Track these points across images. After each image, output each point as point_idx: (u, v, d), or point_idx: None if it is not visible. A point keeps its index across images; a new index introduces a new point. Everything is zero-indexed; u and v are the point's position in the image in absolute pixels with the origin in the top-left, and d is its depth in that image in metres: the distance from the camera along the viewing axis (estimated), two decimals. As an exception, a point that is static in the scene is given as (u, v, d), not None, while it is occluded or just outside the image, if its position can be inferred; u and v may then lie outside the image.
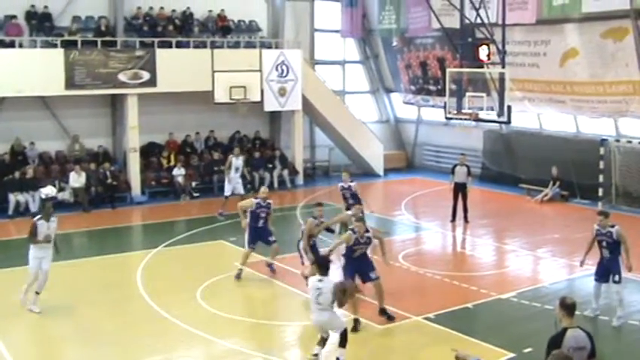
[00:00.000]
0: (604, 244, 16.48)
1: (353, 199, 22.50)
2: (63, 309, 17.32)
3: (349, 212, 19.96)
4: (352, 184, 22.99)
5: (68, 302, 17.77)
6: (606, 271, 16.54)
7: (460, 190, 26.50)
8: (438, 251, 23.64)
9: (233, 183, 28.03)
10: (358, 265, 16.45)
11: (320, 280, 13.79)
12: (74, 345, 15.43)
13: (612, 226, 16.41)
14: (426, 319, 16.40)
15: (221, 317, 16.71)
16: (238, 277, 19.33)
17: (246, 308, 17.17)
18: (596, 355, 9.65)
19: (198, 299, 17.83)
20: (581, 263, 17.14)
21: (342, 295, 13.55)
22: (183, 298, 17.94)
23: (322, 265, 14.14)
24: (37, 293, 16.84)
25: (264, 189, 20.56)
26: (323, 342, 14.01)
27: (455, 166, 27.04)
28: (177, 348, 15.17)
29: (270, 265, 20.06)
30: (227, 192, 27.88)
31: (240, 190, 28.22)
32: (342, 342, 13.77)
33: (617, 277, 16.35)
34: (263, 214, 19.73)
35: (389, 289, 17.44)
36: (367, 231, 16.49)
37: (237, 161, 28.18)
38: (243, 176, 29.14)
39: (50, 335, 15.76)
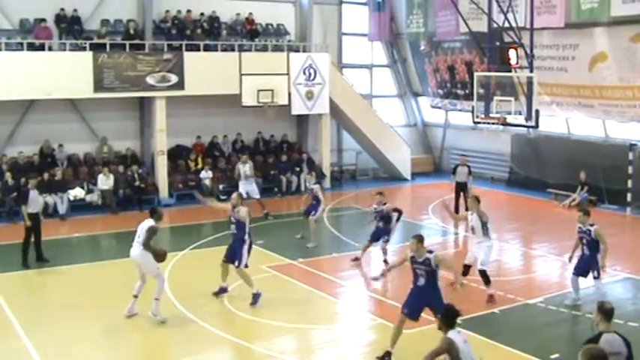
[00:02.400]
0: (584, 241, 17.28)
1: (315, 199, 24.05)
2: (91, 310, 17.41)
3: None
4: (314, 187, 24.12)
5: (96, 303, 17.88)
6: (585, 267, 17.34)
7: (461, 189, 28.04)
8: (465, 255, 23.55)
9: (245, 187, 27.41)
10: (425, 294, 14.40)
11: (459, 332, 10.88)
12: (101, 346, 15.47)
13: (591, 225, 17.11)
14: (453, 323, 16.34)
15: (248, 320, 16.76)
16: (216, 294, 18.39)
17: (273, 311, 17.16)
18: None
19: (225, 302, 17.87)
20: (570, 259, 18.04)
21: None
22: (210, 301, 17.98)
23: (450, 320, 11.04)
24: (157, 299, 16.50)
25: (234, 195, 18.56)
26: None
27: (456, 166, 28.70)
28: (204, 350, 15.21)
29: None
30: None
31: (256, 194, 27.97)
32: None
33: (595, 274, 17.12)
34: (233, 221, 18.03)
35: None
36: (429, 252, 14.40)
37: (244, 168, 27.88)
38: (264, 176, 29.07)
39: (77, 335, 15.81)
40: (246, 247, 17.72)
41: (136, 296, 16.66)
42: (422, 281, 14.32)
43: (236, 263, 17.63)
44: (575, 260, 17.82)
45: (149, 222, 16.42)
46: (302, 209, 25.25)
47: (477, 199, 18.53)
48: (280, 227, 26.48)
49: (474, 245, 18.54)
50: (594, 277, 17.16)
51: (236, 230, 17.84)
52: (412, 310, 14.42)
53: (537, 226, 27.07)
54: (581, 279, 17.56)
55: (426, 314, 14.62)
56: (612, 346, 9.38)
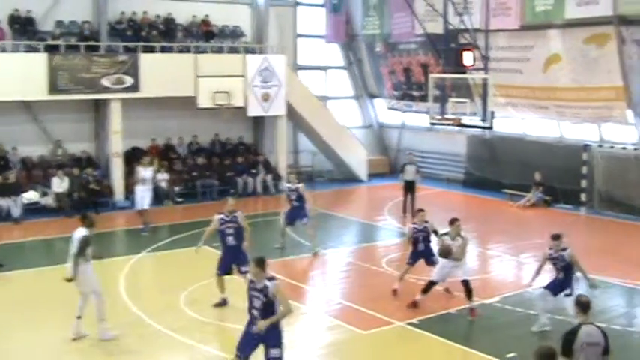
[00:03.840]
0: (558, 266, 16.40)
1: (298, 201, 22.90)
2: (46, 315, 17.24)
3: None
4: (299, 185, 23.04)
5: (51, 308, 17.69)
6: (560, 288, 16.38)
7: (409, 187, 28.23)
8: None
9: (140, 196, 26.07)
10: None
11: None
12: (57, 351, 15.32)
13: (564, 249, 16.30)
14: (410, 324, 16.41)
15: (204, 323, 16.67)
16: (218, 305, 17.80)
17: (228, 314, 17.09)
18: (609, 352, 9.87)
19: (182, 305, 17.78)
20: (530, 284, 17.15)
21: None
22: (166, 304, 17.88)
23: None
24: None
25: (231, 200, 18.14)
26: None
27: (404, 165, 28.81)
28: (160, 354, 15.13)
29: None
30: (138, 206, 26.32)
31: (145, 204, 26.08)
32: None
33: (568, 291, 16.16)
34: (230, 231, 17.55)
35: (373, 295, 17.48)
36: (270, 278, 12.11)
37: (145, 172, 26.11)
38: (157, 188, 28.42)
39: (33, 341, 15.66)
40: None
41: (79, 317, 15.78)
42: (255, 313, 12.13)
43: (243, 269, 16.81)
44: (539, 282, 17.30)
45: (81, 231, 15.68)
46: (282, 216, 23.80)
47: (458, 223, 17.37)
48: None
49: (445, 263, 17.41)
50: (566, 295, 16.18)
51: (237, 237, 17.44)
52: (246, 351, 12.35)
53: (493, 226, 27.24)
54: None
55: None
56: (591, 337, 9.72)
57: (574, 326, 9.89)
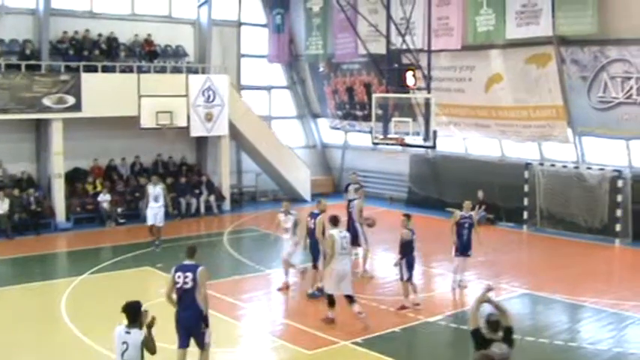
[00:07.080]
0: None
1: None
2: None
3: None
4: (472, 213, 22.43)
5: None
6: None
7: None
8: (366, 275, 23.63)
9: (152, 213, 26.10)
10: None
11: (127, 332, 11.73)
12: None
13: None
14: (355, 343, 16.38)
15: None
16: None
17: (173, 335, 16.93)
18: None
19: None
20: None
21: None
22: (109, 326, 17.55)
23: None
24: None
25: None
26: None
27: (348, 184, 27.92)
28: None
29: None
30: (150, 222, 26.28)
31: (157, 220, 26.22)
32: None
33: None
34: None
35: (318, 315, 17.45)
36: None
37: (154, 189, 26.20)
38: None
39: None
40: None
41: None
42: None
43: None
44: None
45: None
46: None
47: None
48: (179, 250, 26.23)
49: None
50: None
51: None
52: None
53: (436, 244, 27.26)
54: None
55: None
56: (500, 354, 10.40)
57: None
